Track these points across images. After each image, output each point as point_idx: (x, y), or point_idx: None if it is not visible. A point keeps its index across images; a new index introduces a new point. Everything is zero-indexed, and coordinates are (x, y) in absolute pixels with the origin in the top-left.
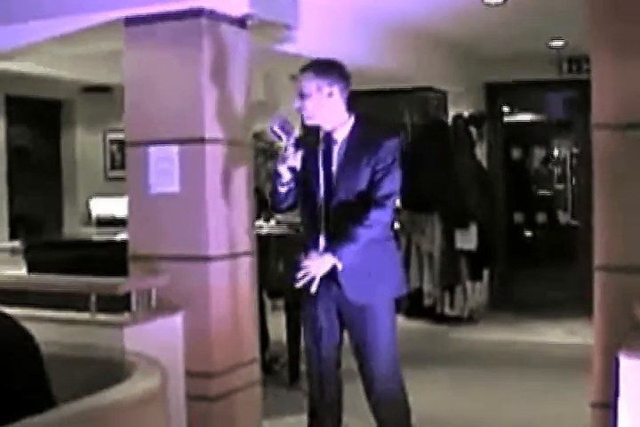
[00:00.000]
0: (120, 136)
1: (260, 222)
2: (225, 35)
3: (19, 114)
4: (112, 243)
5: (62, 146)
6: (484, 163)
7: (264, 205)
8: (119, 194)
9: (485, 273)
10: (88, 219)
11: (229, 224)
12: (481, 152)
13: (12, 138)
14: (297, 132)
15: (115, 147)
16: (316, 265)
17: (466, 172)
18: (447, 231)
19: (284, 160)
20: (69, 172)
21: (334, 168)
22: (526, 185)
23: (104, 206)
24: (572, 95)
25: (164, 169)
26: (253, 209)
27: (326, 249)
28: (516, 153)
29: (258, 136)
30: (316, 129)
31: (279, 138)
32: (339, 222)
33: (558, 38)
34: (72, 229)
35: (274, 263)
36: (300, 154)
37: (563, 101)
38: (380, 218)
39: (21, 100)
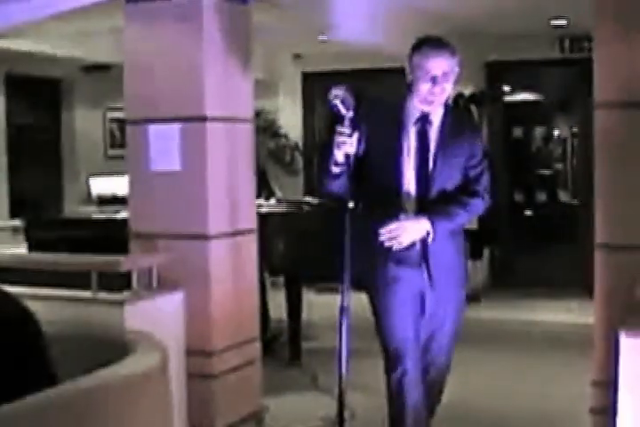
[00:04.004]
0: (120, 114)
1: (261, 201)
2: (226, 11)
3: (19, 92)
4: (113, 221)
5: (62, 125)
6: (485, 142)
7: (265, 183)
8: (119, 173)
9: (486, 252)
10: (88, 197)
11: (230, 202)
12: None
13: (11, 116)
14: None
15: (115, 125)
16: (410, 228)
17: None
18: None
19: (339, 146)
20: (69, 150)
21: (432, 152)
22: (527, 164)
23: (104, 185)
24: (574, 74)
25: (164, 147)
26: (254, 187)
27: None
28: (516, 132)
29: (259, 114)
30: (388, 104)
31: (338, 112)
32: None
33: (560, 17)
34: (72, 207)
35: (274, 241)
36: (356, 137)
37: (564, 81)
38: (478, 208)
39: (21, 79)
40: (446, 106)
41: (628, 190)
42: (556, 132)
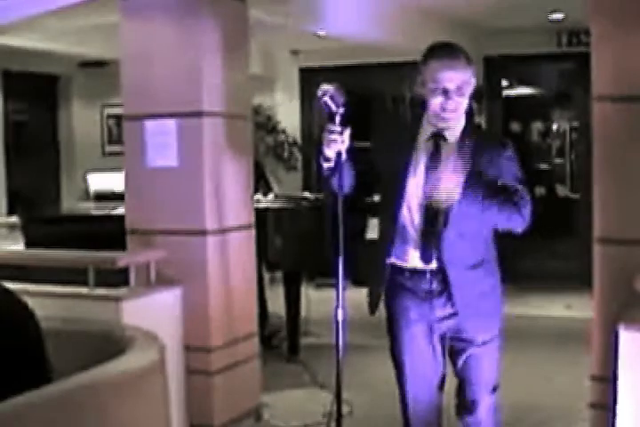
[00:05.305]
0: (117, 111)
1: (258, 196)
2: (223, 7)
3: (16, 89)
4: (110, 217)
5: (60, 121)
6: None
7: (263, 179)
8: (116, 168)
9: None
10: (85, 194)
11: (227, 198)
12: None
13: (9, 113)
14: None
15: (112, 121)
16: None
17: None
18: None
19: (330, 144)
20: (67, 147)
21: None
22: (525, 159)
23: (101, 181)
24: (572, 68)
25: (161, 143)
26: (251, 183)
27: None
28: (514, 127)
29: (256, 110)
30: (403, 120)
31: (328, 109)
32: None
33: (558, 11)
34: (70, 203)
35: (272, 237)
36: (347, 133)
37: (562, 75)
38: (523, 210)
39: (18, 75)
40: (467, 121)
41: (626, 184)
42: (554, 127)
